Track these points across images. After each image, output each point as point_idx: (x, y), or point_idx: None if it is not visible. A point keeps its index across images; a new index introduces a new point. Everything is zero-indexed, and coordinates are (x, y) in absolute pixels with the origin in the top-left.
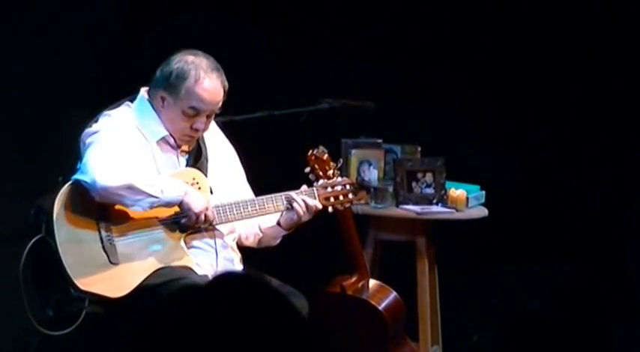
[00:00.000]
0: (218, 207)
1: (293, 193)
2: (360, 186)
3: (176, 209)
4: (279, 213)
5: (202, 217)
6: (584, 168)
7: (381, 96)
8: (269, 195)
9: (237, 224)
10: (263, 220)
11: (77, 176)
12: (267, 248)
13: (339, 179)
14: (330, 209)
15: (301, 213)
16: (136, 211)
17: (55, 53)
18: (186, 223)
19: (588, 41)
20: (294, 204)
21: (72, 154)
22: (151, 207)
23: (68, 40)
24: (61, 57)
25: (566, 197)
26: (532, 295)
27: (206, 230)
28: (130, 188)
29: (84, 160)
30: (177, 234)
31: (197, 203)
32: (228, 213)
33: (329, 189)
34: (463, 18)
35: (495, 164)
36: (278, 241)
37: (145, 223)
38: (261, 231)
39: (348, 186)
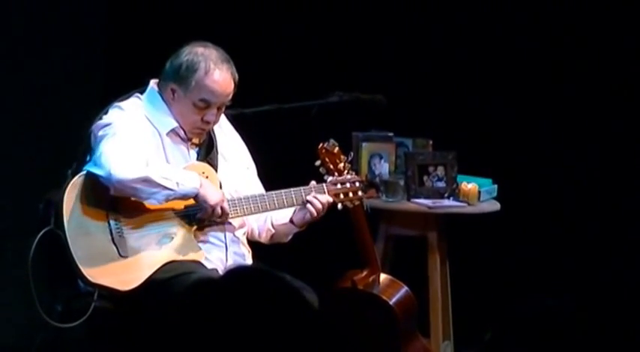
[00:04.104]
0: (228, 201)
1: (304, 191)
2: (370, 183)
3: (187, 202)
4: (292, 210)
5: (218, 210)
6: (598, 161)
7: (393, 89)
8: (280, 191)
9: (249, 219)
10: (275, 217)
11: (91, 168)
12: (278, 243)
13: (349, 176)
14: (339, 206)
15: (315, 213)
16: (150, 204)
17: (63, 46)
18: (201, 216)
19: (606, 35)
20: (309, 206)
21: (80, 148)
22: (167, 200)
23: (74, 32)
24: (68, 50)
25: (580, 190)
26: (547, 291)
27: (218, 223)
28: (146, 181)
29: (98, 153)
30: (188, 227)
31: (213, 196)
32: (238, 207)
33: (339, 186)
34: (475, 9)
35: (508, 157)
36: (289, 238)
37: (156, 216)
38: (273, 228)
39: (357, 183)
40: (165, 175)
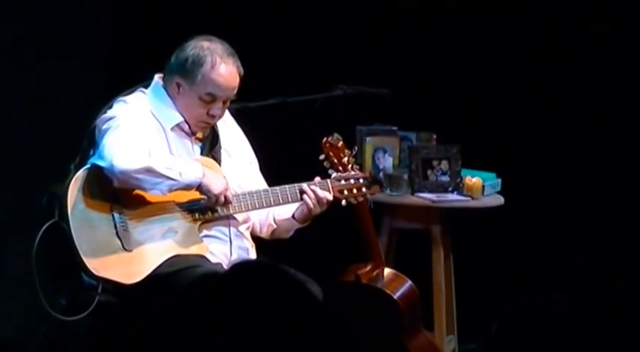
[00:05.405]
0: (232, 196)
1: (305, 185)
2: (374, 179)
3: (191, 196)
4: (294, 205)
5: (222, 198)
6: (601, 155)
7: (397, 83)
8: (283, 186)
9: (251, 213)
10: (277, 212)
11: (95, 160)
12: (278, 239)
13: (353, 172)
14: (343, 202)
15: (311, 205)
16: (154, 195)
17: (66, 40)
18: (205, 204)
19: (608, 30)
20: (304, 196)
21: (84, 142)
22: (170, 190)
23: (77, 26)
24: (71, 44)
25: (584, 185)
26: (551, 285)
27: (222, 217)
28: (149, 171)
29: (101, 145)
30: (192, 221)
31: (216, 184)
32: (241, 202)
33: (343, 182)
34: (477, 4)
35: (512, 151)
36: (291, 234)
37: (160, 210)
38: (275, 223)
39: (361, 180)
40: (168, 165)
